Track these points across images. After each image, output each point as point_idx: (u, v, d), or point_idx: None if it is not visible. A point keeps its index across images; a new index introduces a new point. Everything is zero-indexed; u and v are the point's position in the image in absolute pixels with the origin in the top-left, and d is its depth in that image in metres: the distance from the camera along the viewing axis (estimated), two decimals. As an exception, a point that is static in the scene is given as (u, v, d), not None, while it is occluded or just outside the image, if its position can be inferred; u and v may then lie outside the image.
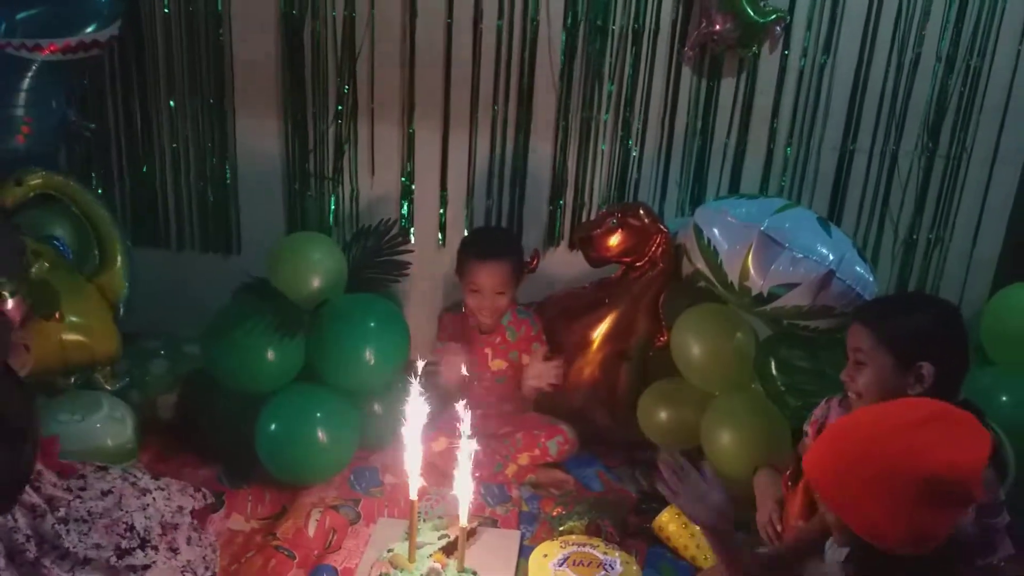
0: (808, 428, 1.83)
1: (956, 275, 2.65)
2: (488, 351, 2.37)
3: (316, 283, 2.23)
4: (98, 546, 1.63)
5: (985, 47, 2.45)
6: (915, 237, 2.63)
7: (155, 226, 2.73)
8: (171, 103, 2.60)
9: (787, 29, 2.45)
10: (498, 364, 2.38)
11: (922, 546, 1.18)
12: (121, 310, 2.30)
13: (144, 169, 2.67)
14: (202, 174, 2.67)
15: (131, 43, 2.52)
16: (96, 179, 2.67)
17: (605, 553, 1.81)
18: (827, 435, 1.32)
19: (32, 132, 2.26)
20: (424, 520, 1.98)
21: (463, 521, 1.77)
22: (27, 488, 1.64)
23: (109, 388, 2.28)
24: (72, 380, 2.23)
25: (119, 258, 2.30)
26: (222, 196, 2.68)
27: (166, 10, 2.51)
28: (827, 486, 1.24)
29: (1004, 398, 2.08)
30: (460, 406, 1.82)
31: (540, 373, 2.27)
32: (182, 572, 1.73)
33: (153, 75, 2.58)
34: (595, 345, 2.40)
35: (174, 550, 1.74)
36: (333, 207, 2.67)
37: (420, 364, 1.89)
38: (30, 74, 2.22)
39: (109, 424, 2.11)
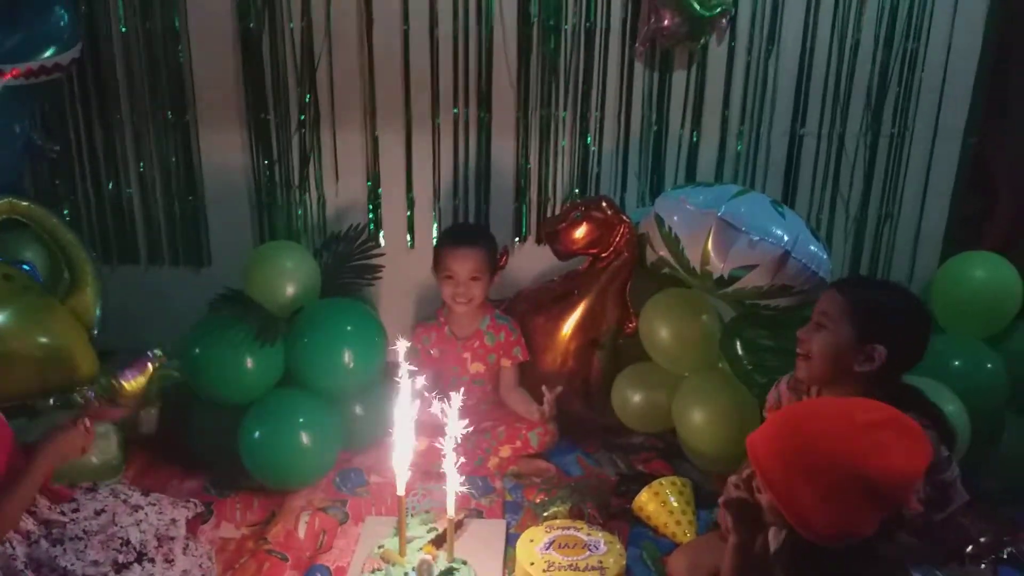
0: (767, 415, 1.91)
1: (906, 248, 2.76)
2: (467, 355, 2.43)
3: (291, 291, 2.27)
4: (96, 563, 1.66)
5: (920, 30, 2.55)
6: (865, 214, 2.73)
7: (124, 243, 2.74)
8: (133, 121, 2.61)
9: (732, 21, 2.53)
10: (476, 367, 2.44)
11: (843, 540, 1.23)
12: (95, 331, 2.32)
13: (110, 187, 2.67)
14: (168, 189, 2.68)
15: (89, 63, 2.52)
16: (62, 200, 2.66)
17: (589, 534, 1.87)
18: (780, 417, 1.35)
19: (-3, 158, 2.26)
20: (411, 515, 2.03)
21: (451, 513, 1.83)
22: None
23: (88, 407, 2.29)
24: (51, 401, 2.24)
25: (89, 280, 2.31)
26: (190, 210, 2.70)
27: (123, 28, 2.52)
28: (768, 466, 1.26)
29: (956, 363, 2.16)
30: (440, 406, 1.87)
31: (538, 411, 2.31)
32: (180, 581, 1.77)
33: (113, 94, 2.59)
34: (567, 335, 2.47)
35: (170, 561, 1.76)
36: (301, 215, 2.70)
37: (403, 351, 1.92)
38: (-8, 100, 2.22)
39: (94, 441, 2.12)
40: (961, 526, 1.89)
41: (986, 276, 2.27)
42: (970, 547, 1.93)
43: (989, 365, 2.17)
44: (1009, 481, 2.16)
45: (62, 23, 2.28)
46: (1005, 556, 1.95)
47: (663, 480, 2.09)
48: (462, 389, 1.92)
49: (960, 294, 2.29)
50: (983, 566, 1.90)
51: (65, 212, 2.63)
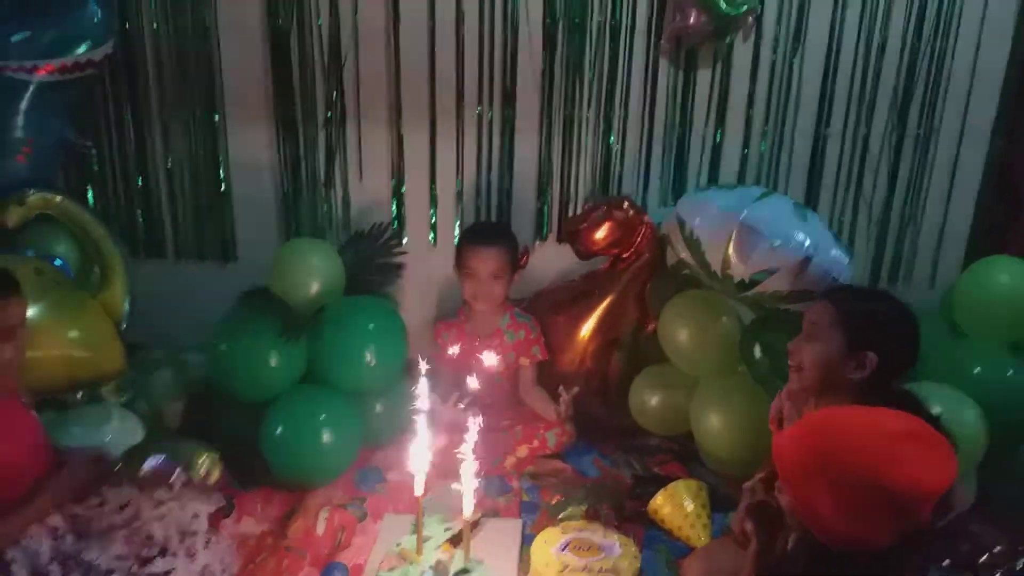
0: (771, 426, 1.91)
1: (928, 251, 2.75)
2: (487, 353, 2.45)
3: (315, 288, 2.30)
4: (120, 557, 1.69)
5: (948, 30, 2.53)
6: (888, 216, 2.71)
7: (152, 237, 2.78)
8: (162, 117, 2.65)
9: (758, 20, 2.51)
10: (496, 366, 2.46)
11: (858, 547, 1.23)
12: (123, 325, 2.37)
13: (139, 182, 2.72)
14: (196, 184, 2.72)
15: (121, 59, 2.56)
16: (92, 194, 2.71)
17: (604, 537, 1.89)
18: (805, 423, 1.38)
19: (32, 152, 2.30)
20: (429, 515, 2.06)
21: (467, 513, 1.86)
22: None
23: (115, 400, 2.34)
24: (79, 395, 2.29)
25: (119, 275, 2.36)
26: (217, 205, 2.74)
27: (155, 26, 2.56)
28: (791, 468, 1.29)
29: (976, 369, 2.15)
30: (460, 405, 1.90)
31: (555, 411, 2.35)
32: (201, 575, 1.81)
33: (144, 90, 2.63)
34: (586, 336, 2.48)
35: (192, 555, 1.79)
36: (326, 211, 2.73)
37: (423, 367, 1.96)
38: (27, 95, 2.26)
39: (120, 435, 2.16)
40: (974, 535, 1.88)
41: (1010, 281, 2.23)
42: (984, 556, 1.92)
43: (1010, 372, 2.15)
44: (1027, 490, 2.15)
45: (95, 19, 2.33)
46: (1020, 567, 1.94)
47: (679, 483, 2.10)
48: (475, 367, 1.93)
49: (983, 299, 2.26)
50: (998, 576, 1.90)
51: (95, 206, 2.69)
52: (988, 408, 2.01)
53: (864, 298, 1.74)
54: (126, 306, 2.37)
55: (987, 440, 2.00)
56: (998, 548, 1.94)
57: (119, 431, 2.16)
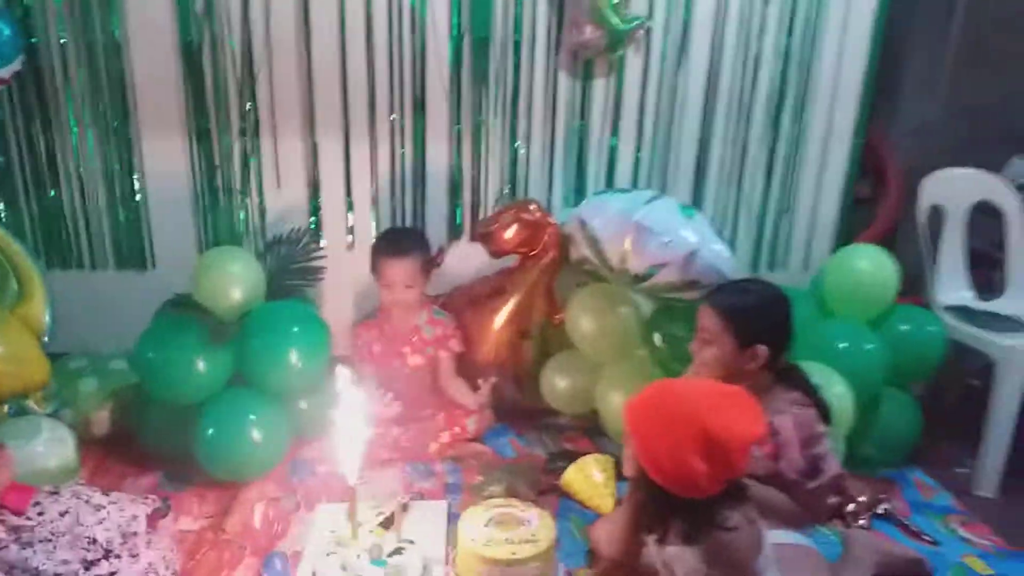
0: None
1: (802, 239, 3.05)
2: (406, 349, 2.60)
3: (237, 295, 2.37)
4: (65, 561, 1.75)
5: (814, 42, 2.81)
6: (766, 209, 2.99)
7: (67, 248, 2.80)
8: (74, 129, 2.67)
9: (647, 35, 2.73)
10: (416, 360, 2.61)
11: (685, 489, 1.48)
12: (45, 337, 2.39)
13: (52, 194, 2.73)
14: (111, 195, 2.75)
15: (29, 73, 2.57)
16: (3, 207, 2.71)
17: (523, 511, 2.07)
18: (650, 387, 1.62)
19: (-59, 171, 2.30)
20: (360, 501, 2.19)
21: (397, 497, 2.01)
22: None
23: (42, 411, 2.36)
24: (5, 408, 2.31)
25: (37, 288, 2.35)
26: (133, 214, 2.77)
27: (62, 40, 2.57)
28: (634, 421, 1.54)
29: (841, 345, 2.40)
30: (383, 399, 2.03)
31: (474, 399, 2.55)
32: (146, 574, 1.90)
33: (54, 103, 2.64)
34: (500, 327, 2.65)
35: (135, 555, 1.86)
36: (243, 219, 2.81)
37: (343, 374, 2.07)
38: (-65, 114, 2.26)
39: (51, 445, 2.18)
40: (842, 489, 2.15)
41: (869, 266, 2.51)
42: (850, 505, 2.21)
43: (870, 346, 2.41)
44: (885, 446, 2.46)
45: (2, 37, 2.33)
46: (881, 512, 2.25)
47: (588, 457, 2.31)
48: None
49: (847, 281, 2.52)
50: (861, 522, 2.19)
51: (4, 220, 2.69)
52: (851, 379, 2.26)
53: (742, 295, 1.95)
54: (47, 319, 2.38)
55: (853, 409, 2.26)
56: (862, 498, 2.24)
57: (50, 441, 2.20)
